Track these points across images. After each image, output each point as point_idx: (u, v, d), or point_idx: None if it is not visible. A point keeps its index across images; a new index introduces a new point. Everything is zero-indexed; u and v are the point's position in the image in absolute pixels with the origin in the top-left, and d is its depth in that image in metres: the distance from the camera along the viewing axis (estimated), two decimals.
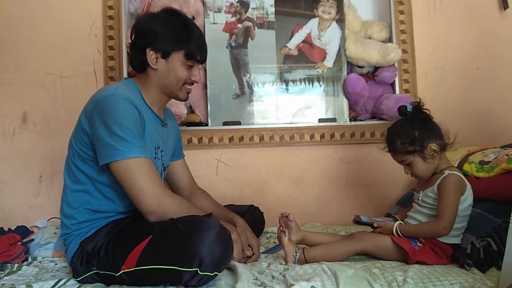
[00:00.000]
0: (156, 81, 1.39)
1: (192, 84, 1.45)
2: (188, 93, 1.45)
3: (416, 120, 1.43)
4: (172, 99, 1.48)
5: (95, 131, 1.24)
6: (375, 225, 1.44)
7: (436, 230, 1.35)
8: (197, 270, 1.08)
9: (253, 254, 1.42)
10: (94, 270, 1.26)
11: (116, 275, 1.20)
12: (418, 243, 1.37)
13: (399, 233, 1.38)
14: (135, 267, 1.16)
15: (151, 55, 1.35)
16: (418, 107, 1.45)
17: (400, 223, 1.42)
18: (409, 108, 1.45)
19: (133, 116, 1.26)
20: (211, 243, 1.09)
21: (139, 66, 1.39)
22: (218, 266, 1.11)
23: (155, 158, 1.39)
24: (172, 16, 1.40)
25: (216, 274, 1.12)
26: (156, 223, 1.21)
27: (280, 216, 1.50)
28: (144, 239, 1.17)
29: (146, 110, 1.36)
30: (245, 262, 1.38)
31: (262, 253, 1.55)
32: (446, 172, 1.39)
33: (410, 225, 1.42)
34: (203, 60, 1.44)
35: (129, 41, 1.43)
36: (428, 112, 1.46)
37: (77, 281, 1.27)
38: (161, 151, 1.45)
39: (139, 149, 1.23)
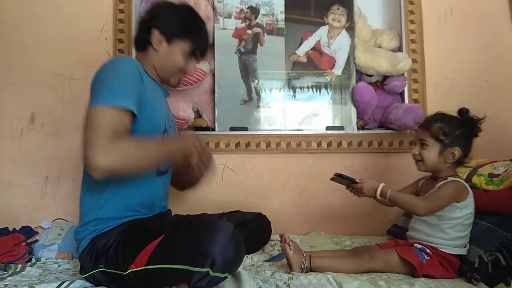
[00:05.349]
0: (154, 61, 1.42)
1: (185, 74, 1.49)
2: (179, 80, 1.50)
3: (466, 125, 1.46)
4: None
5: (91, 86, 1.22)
6: (357, 180, 1.47)
7: (416, 206, 1.38)
8: (208, 271, 1.08)
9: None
10: (101, 267, 1.24)
11: (124, 274, 1.18)
12: (426, 256, 1.35)
13: (382, 194, 1.41)
14: (145, 266, 1.14)
15: (155, 36, 1.38)
16: (477, 119, 1.47)
17: (384, 185, 1.43)
18: (470, 114, 1.47)
19: (129, 71, 1.24)
20: (224, 243, 1.09)
21: (141, 44, 1.43)
22: (229, 268, 1.12)
23: (165, 128, 1.37)
24: (188, 10, 1.47)
25: (226, 277, 1.12)
26: (169, 223, 1.21)
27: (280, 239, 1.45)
28: (156, 238, 1.16)
29: (150, 79, 1.38)
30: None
31: (266, 261, 1.54)
32: (450, 178, 1.43)
33: (395, 192, 1.42)
34: (202, 56, 1.50)
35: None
36: (479, 129, 1.47)
37: (84, 277, 1.26)
38: (172, 121, 1.48)
39: (117, 97, 1.15)
